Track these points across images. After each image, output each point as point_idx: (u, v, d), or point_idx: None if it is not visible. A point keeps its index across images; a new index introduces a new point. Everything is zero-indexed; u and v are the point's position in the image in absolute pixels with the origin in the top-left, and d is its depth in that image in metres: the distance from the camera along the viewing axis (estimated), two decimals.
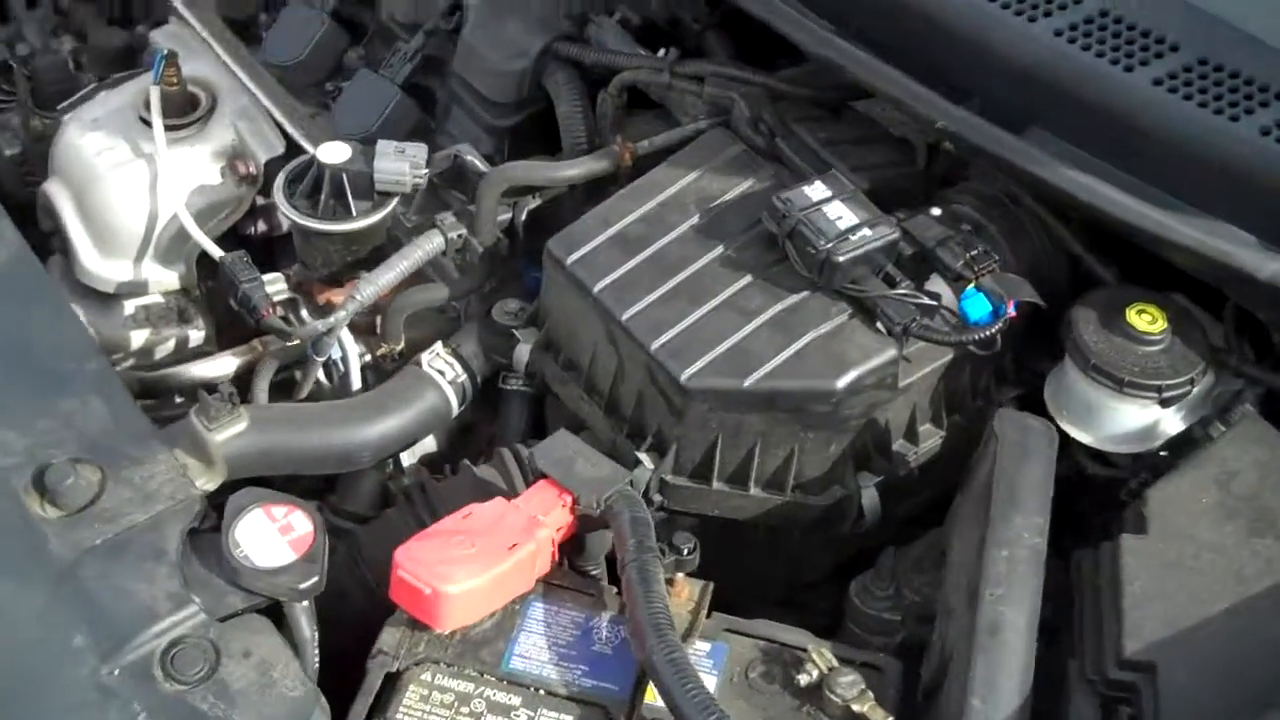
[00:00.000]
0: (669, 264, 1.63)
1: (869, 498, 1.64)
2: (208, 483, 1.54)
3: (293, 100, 2.04)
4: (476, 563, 1.42)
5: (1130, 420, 1.58)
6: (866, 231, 1.57)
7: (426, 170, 1.77)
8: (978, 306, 1.55)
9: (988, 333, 1.55)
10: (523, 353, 1.74)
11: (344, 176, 1.76)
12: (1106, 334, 1.56)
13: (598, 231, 1.67)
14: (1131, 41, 1.55)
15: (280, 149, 2.00)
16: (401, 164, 1.76)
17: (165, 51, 1.97)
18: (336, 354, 1.79)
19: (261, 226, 2.05)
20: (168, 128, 1.98)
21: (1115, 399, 1.55)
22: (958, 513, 1.62)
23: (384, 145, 1.77)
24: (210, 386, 1.85)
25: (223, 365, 1.88)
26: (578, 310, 1.66)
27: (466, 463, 1.75)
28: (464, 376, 1.79)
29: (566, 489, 1.50)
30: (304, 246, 1.82)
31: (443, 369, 1.79)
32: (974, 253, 1.58)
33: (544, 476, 1.53)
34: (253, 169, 1.99)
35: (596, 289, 1.62)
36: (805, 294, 1.60)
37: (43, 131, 2.17)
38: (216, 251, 1.84)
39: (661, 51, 1.85)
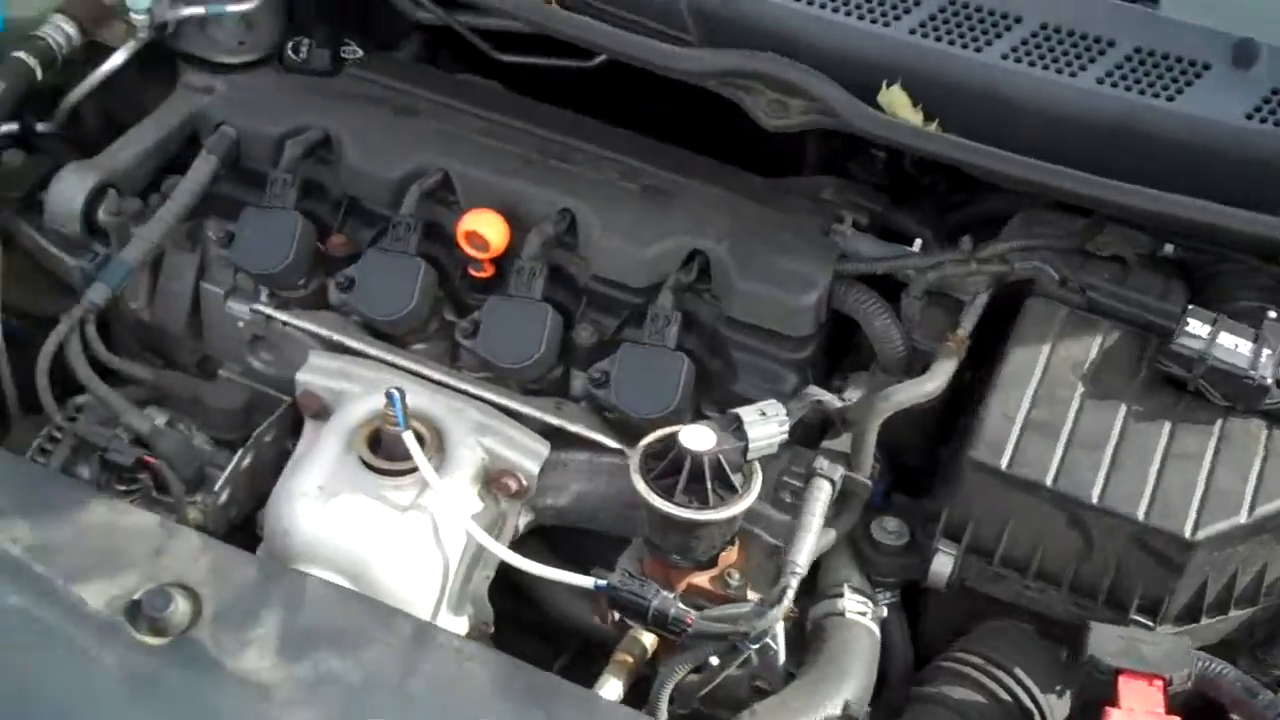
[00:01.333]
0: (1093, 436, 1.71)
1: None
2: None
3: (518, 395, 1.92)
4: None
5: None
6: (1267, 350, 1.71)
7: (789, 422, 1.74)
8: None
9: None
10: (944, 563, 1.76)
11: (720, 459, 1.70)
12: None
13: (1007, 428, 1.71)
14: None
15: (545, 451, 1.88)
16: (770, 426, 1.72)
17: (396, 391, 1.79)
18: None
19: None
20: (401, 471, 1.82)
21: None
22: None
23: (746, 413, 1.72)
24: None
25: (611, 691, 1.75)
26: (1023, 507, 1.70)
27: (927, 689, 1.75)
28: (877, 608, 1.78)
29: (1154, 675, 1.56)
30: (684, 539, 1.73)
31: (861, 609, 1.77)
32: None
33: (1117, 673, 1.57)
34: (524, 481, 1.86)
35: (1049, 482, 1.67)
36: (1220, 421, 1.72)
37: (206, 521, 1.92)
38: (587, 581, 1.71)
39: (918, 245, 1.92)
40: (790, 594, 1.67)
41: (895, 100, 1.82)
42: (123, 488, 1.94)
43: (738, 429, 1.72)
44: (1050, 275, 1.85)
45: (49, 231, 2.17)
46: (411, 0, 2.23)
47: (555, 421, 1.89)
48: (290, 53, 2.16)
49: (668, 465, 1.71)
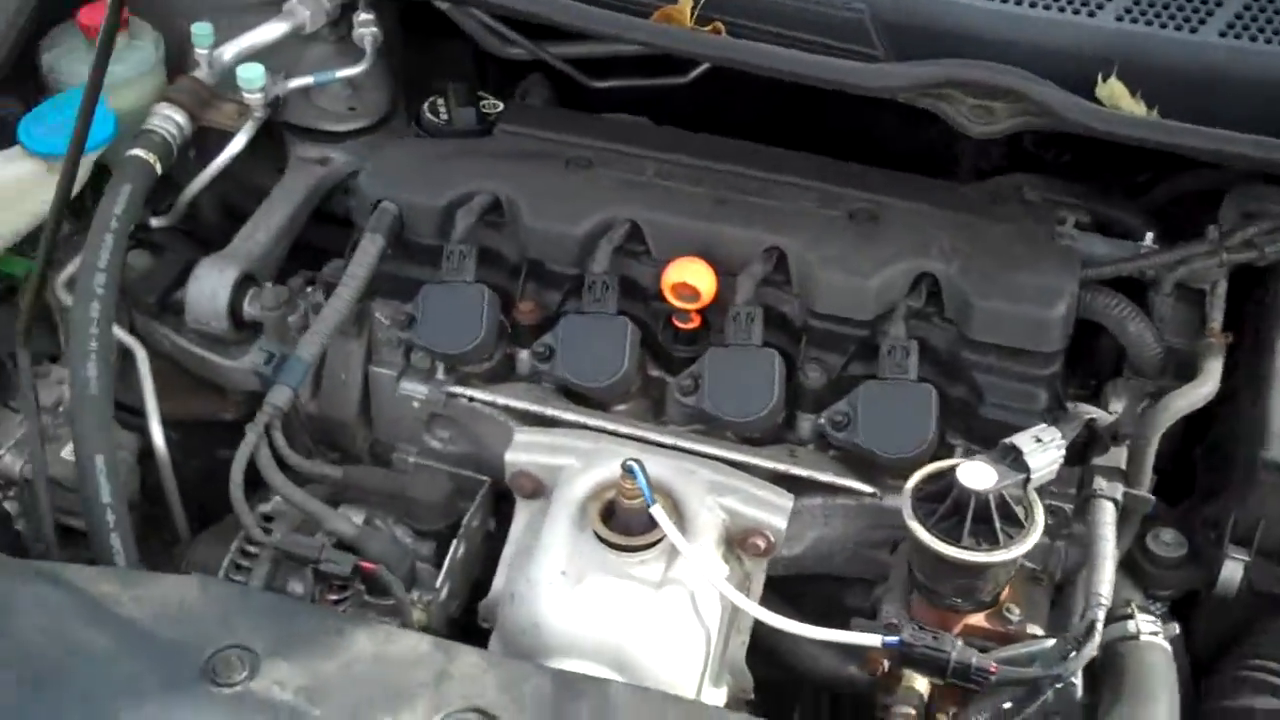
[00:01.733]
0: None
1: None
2: None
3: (748, 448, 1.82)
4: None
5: None
6: None
7: (1065, 445, 1.65)
8: None
9: None
10: (1234, 570, 1.69)
11: (1004, 495, 1.61)
12: None
13: None
14: None
15: (789, 503, 1.77)
16: (1049, 452, 1.63)
17: (635, 463, 1.68)
18: None
19: None
20: (645, 546, 1.71)
21: None
22: None
23: (1023, 442, 1.63)
24: None
25: None
26: None
27: (1228, 704, 1.68)
28: (1168, 626, 1.70)
29: None
30: (970, 582, 1.64)
31: (1153, 629, 1.69)
32: None
33: None
34: (772, 538, 1.76)
35: None
36: None
37: (430, 620, 1.81)
38: (874, 639, 1.62)
39: (1150, 238, 1.85)
40: (1099, 629, 1.58)
41: (1116, 92, 1.73)
42: (334, 597, 1.82)
43: (1016, 460, 1.63)
44: None
45: (188, 332, 2.05)
46: (499, 38, 2.13)
47: (801, 471, 1.79)
48: (429, 114, 2.04)
49: (948, 507, 1.62)
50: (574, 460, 1.80)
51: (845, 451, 1.80)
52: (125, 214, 1.91)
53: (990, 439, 1.73)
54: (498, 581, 1.81)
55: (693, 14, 1.84)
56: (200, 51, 2.09)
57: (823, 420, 1.78)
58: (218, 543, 1.90)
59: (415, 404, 1.97)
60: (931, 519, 1.62)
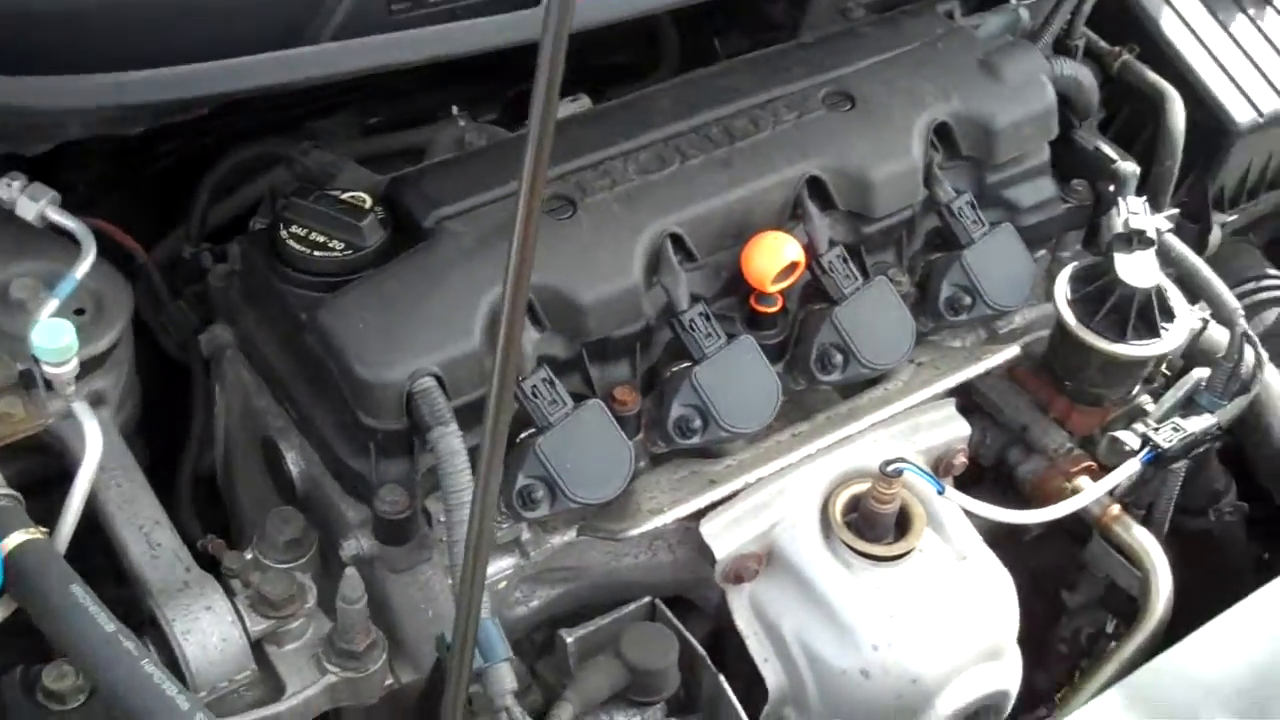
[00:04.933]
0: None
1: None
2: None
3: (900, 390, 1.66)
4: None
5: None
6: None
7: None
8: None
9: None
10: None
11: (1151, 296, 1.66)
12: None
13: None
14: None
15: (953, 405, 1.68)
16: (1154, 217, 1.70)
17: (901, 462, 1.49)
18: None
19: None
20: (906, 551, 1.56)
21: None
22: None
23: (1137, 222, 1.66)
24: None
25: None
26: None
27: None
28: None
29: None
30: (1115, 375, 1.69)
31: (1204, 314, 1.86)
32: None
33: None
34: (965, 447, 1.68)
35: None
36: None
37: None
38: (1132, 465, 1.65)
39: None
40: (1252, 335, 1.72)
41: None
42: None
43: (1142, 239, 1.67)
44: None
45: None
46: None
47: (962, 375, 1.68)
48: (299, 248, 1.44)
49: (1088, 293, 1.68)
50: (781, 510, 1.55)
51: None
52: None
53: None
54: (775, 678, 1.56)
55: None
56: None
57: (944, 301, 1.66)
58: None
59: (503, 584, 1.52)
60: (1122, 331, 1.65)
